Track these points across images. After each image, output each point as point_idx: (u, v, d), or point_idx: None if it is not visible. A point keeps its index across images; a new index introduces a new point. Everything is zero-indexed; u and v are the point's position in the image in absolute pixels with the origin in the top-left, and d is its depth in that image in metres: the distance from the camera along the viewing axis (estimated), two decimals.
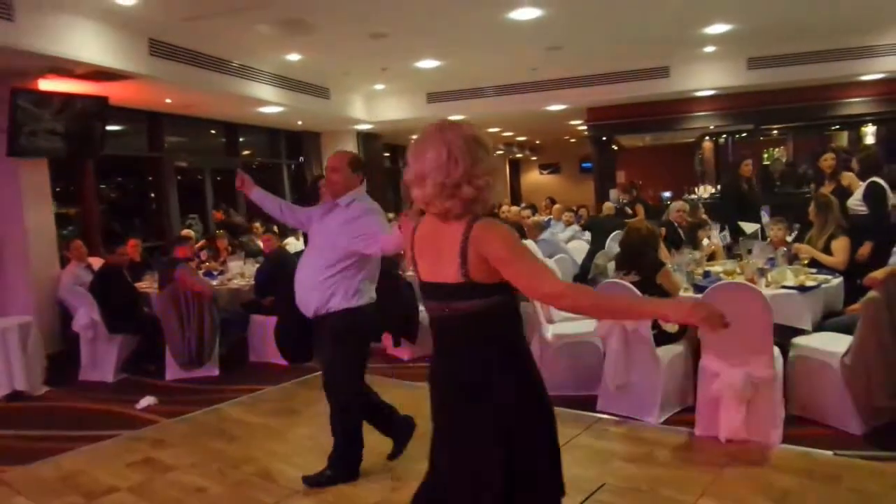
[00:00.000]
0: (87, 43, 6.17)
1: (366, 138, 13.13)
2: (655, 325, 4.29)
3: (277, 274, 6.30)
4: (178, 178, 10.07)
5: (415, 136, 2.05)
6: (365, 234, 3.38)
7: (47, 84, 6.58)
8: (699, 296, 4.19)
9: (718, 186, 13.22)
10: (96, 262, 6.82)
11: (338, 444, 3.67)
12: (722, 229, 7.59)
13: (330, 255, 3.42)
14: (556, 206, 11.08)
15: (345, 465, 3.66)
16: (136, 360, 6.28)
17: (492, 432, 1.95)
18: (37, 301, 6.37)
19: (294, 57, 8.55)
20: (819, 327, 4.40)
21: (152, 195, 10.08)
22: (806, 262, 4.96)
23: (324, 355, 3.69)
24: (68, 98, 6.52)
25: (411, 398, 5.17)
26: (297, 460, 4.00)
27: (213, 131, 11.13)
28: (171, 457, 4.15)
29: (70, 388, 5.91)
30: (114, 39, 6.48)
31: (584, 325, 4.92)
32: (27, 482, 3.93)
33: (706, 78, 10.42)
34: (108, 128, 7.16)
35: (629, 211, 10.46)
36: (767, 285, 4.44)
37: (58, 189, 7.01)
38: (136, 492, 3.71)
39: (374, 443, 4.17)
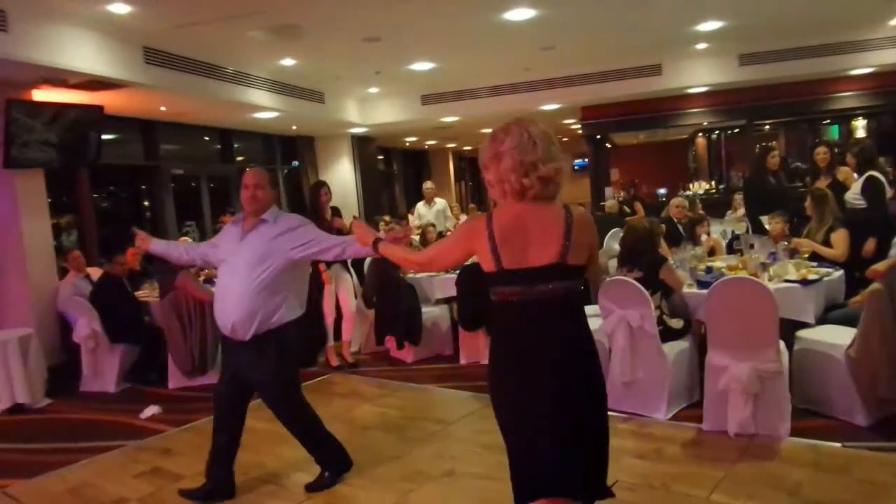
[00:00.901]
0: (81, 52, 6.15)
1: (360, 141, 13.12)
2: (661, 322, 4.31)
3: None
4: (173, 185, 10.04)
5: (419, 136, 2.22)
6: (312, 240, 3.41)
7: (42, 94, 6.55)
8: (703, 291, 4.20)
9: (713, 182, 13.30)
10: (94, 273, 6.79)
11: (315, 450, 3.69)
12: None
13: (266, 270, 3.33)
14: None
15: (335, 460, 3.70)
16: (137, 369, 6.25)
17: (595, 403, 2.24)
18: (36, 313, 6.33)
19: (288, 62, 8.54)
20: (822, 320, 4.43)
21: (146, 203, 10.06)
22: (806, 255, 4.98)
23: (256, 377, 3.45)
24: (61, 108, 6.49)
25: (417, 401, 5.20)
26: (307, 466, 3.97)
27: (207, 138, 11.10)
28: (180, 466, 4.13)
29: (72, 400, 5.89)
30: (108, 48, 6.46)
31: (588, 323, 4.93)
32: (34, 496, 3.91)
33: (698, 75, 10.47)
34: (103, 137, 7.11)
35: (627, 209, 10.49)
36: (770, 279, 4.45)
37: (50, 200, 6.95)
38: (146, 502, 3.69)
39: (384, 447, 4.18)
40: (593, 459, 2.22)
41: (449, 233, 9.23)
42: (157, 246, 3.81)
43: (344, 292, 6.16)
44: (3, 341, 5.60)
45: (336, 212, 6.36)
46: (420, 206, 10.29)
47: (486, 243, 2.15)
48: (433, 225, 8.73)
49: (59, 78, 6.23)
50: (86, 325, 6.01)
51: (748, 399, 3.79)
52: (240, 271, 3.35)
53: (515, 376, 2.19)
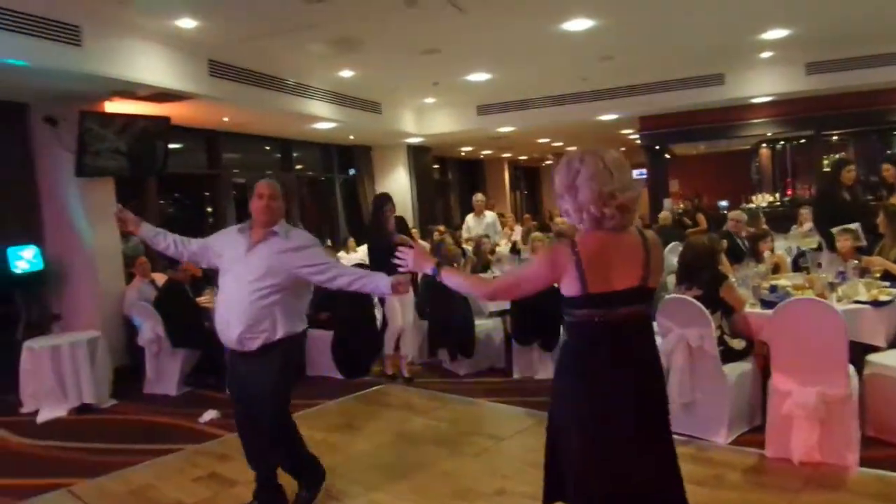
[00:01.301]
0: (150, 66, 6.37)
1: (416, 151, 13.22)
2: (722, 342, 4.18)
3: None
4: (234, 193, 10.31)
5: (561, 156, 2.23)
6: (326, 265, 3.39)
7: (113, 106, 6.81)
8: (768, 311, 4.05)
9: (777, 195, 12.87)
10: (160, 278, 7.01)
11: (295, 468, 3.59)
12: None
13: (273, 283, 3.28)
14: None
15: (314, 476, 3.61)
16: (197, 373, 6.42)
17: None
18: (104, 316, 6.58)
19: (347, 73, 8.68)
20: (894, 343, 4.22)
21: (209, 210, 10.36)
22: (878, 274, 4.75)
23: (255, 389, 3.35)
24: (131, 118, 6.74)
25: (469, 414, 5.18)
26: (359, 477, 4.02)
27: (267, 147, 11.36)
28: (235, 472, 4.19)
29: (136, 402, 6.07)
30: (176, 62, 6.68)
31: None
32: (97, 495, 4.04)
33: (763, 84, 10.16)
34: (169, 146, 7.35)
35: (688, 221, 10.21)
36: (839, 300, 4.28)
37: (120, 206, 7.21)
38: None
39: (436, 461, 4.16)
40: (667, 477, 2.28)
41: (498, 246, 9.13)
42: (146, 231, 3.67)
43: (404, 304, 6.11)
44: (73, 343, 5.85)
45: (402, 224, 6.32)
46: (470, 219, 10.13)
47: (573, 269, 2.17)
48: (487, 236, 8.69)
49: (129, 90, 6.47)
50: (150, 330, 6.20)
51: (814, 426, 3.64)
52: (246, 282, 3.29)
53: (591, 394, 2.22)
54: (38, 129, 6.57)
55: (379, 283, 3.36)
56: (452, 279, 2.57)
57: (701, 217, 10.37)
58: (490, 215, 9.98)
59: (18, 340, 6.09)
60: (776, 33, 8.14)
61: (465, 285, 2.67)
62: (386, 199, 6.21)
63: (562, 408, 2.29)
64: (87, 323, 6.47)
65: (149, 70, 6.36)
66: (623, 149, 18.82)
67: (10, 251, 6.17)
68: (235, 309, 3.29)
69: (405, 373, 6.17)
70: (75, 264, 6.67)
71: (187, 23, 6.12)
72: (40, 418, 5.63)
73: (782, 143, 13.16)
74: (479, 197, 10.25)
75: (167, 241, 3.65)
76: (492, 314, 6.39)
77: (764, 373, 4.21)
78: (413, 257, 2.67)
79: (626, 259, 2.20)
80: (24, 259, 6.25)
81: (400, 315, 6.10)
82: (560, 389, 2.31)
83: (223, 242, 3.53)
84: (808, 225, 8.11)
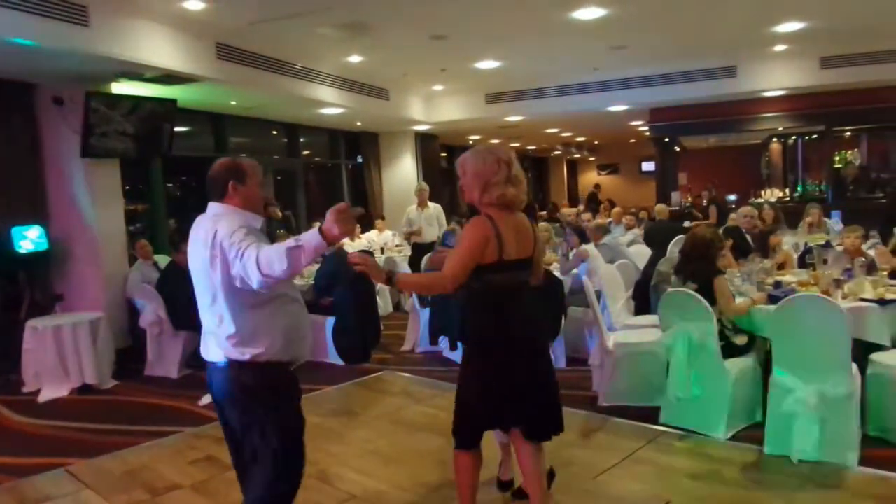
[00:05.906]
0: (157, 47, 6.34)
1: (423, 139, 13.16)
2: (724, 337, 4.14)
3: (338, 275, 6.36)
4: None
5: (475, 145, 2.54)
6: None
7: (119, 87, 6.79)
8: (771, 307, 4.01)
9: (787, 190, 12.77)
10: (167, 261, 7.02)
11: None
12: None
13: None
14: (616, 209, 10.84)
15: None
16: (198, 356, 6.41)
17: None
18: (107, 297, 6.59)
19: (355, 59, 8.63)
20: None
21: None
22: (885, 272, 4.70)
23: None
24: (138, 100, 6.72)
25: None
26: (355, 463, 4.02)
27: (274, 132, 11.33)
28: None
29: (137, 383, 6.09)
30: (183, 44, 6.64)
31: (646, 334, 4.79)
32: (94, 475, 4.05)
33: (776, 78, 10.05)
34: (176, 129, 7.33)
35: (698, 214, 10.04)
36: (844, 297, 4.22)
37: (127, 187, 7.22)
38: (198, 490, 3.78)
39: (433, 450, 4.15)
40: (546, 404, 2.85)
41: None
42: None
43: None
44: (76, 323, 5.87)
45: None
46: (412, 211, 9.08)
47: (493, 240, 2.67)
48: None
49: (136, 72, 6.44)
50: (152, 312, 6.21)
51: (814, 423, 3.59)
52: None
53: (505, 346, 2.74)
54: (45, 110, 6.55)
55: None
56: (411, 284, 3.02)
57: (711, 209, 10.08)
58: (434, 207, 8.93)
59: (22, 320, 6.12)
60: (791, 26, 8.04)
61: (425, 285, 3.03)
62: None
63: (473, 357, 2.84)
64: (90, 304, 6.49)
65: (156, 52, 6.33)
66: (633, 140, 18.75)
67: (15, 231, 6.17)
68: None
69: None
70: (79, 245, 6.68)
71: (195, 4, 6.07)
72: (42, 398, 5.66)
73: (793, 137, 13.05)
74: (422, 185, 9.07)
75: None
76: None
77: (765, 369, 4.17)
78: (370, 266, 2.66)
79: (523, 235, 2.78)
80: (29, 239, 6.26)
81: None
82: (475, 344, 2.83)
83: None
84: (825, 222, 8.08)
